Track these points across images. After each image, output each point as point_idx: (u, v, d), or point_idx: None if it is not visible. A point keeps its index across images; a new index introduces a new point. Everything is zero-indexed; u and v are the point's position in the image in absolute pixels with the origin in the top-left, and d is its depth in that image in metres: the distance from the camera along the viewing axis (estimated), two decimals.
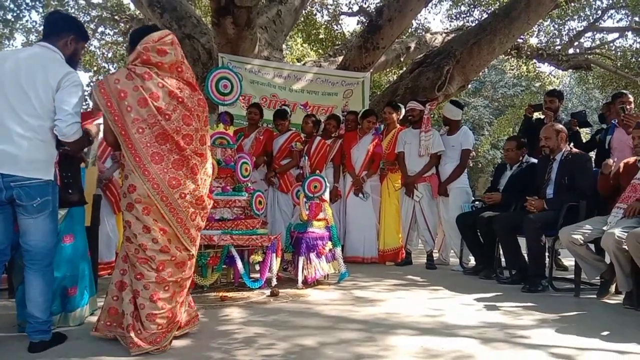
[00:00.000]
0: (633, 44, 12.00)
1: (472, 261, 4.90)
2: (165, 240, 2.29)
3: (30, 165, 2.18)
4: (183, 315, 2.44)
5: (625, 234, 3.11)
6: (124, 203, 2.32)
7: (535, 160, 4.47)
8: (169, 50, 2.35)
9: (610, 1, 11.47)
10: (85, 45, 2.63)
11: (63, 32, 2.35)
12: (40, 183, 2.21)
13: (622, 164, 3.62)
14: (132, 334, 2.22)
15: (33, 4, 10.94)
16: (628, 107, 4.33)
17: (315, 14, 12.74)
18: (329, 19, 12.87)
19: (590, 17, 11.67)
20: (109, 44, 13.43)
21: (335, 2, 12.90)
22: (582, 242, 3.46)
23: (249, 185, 4.06)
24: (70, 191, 2.66)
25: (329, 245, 4.03)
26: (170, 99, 2.31)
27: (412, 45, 10.08)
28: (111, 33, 13.12)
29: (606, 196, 3.71)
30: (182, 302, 2.41)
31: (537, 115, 5.58)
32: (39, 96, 2.18)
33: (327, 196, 4.22)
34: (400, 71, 10.93)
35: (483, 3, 11.26)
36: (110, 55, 13.58)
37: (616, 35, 12.26)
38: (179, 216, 2.30)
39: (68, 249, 2.69)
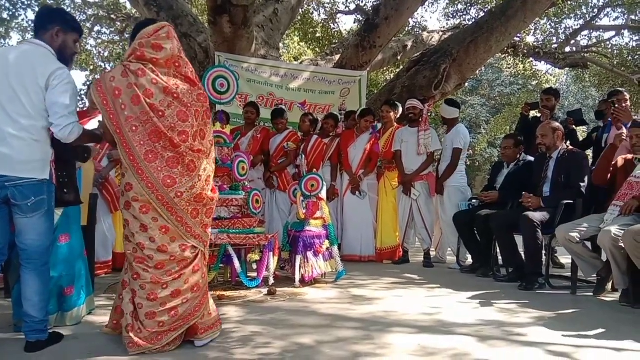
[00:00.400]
0: (629, 42, 12.08)
1: (469, 259, 4.91)
2: (166, 239, 2.24)
3: (23, 166, 2.16)
4: (208, 317, 2.38)
5: (622, 231, 3.13)
6: (122, 201, 2.29)
7: (532, 158, 4.48)
8: (164, 44, 2.29)
9: None
10: (79, 39, 2.54)
11: (48, 24, 2.31)
12: (34, 182, 2.19)
13: (620, 159, 3.63)
14: (132, 334, 2.20)
15: (29, 2, 10.89)
16: (624, 104, 4.33)
17: (312, 13, 12.73)
18: (326, 17, 12.88)
19: (587, 16, 11.70)
20: (105, 43, 13.39)
21: (332, 1, 12.90)
22: (578, 240, 3.47)
23: (246, 184, 4.06)
24: (65, 190, 2.63)
25: (326, 243, 4.03)
26: (165, 95, 2.25)
27: (409, 43, 10.08)
28: (107, 32, 13.08)
29: (599, 185, 3.71)
30: (199, 298, 2.33)
31: (533, 113, 5.59)
32: (29, 96, 2.16)
33: (324, 195, 4.22)
34: (397, 70, 10.95)
35: (480, 1, 11.27)
36: (106, 54, 13.56)
37: (612, 33, 12.29)
38: (178, 215, 2.25)
39: (64, 248, 2.68)
